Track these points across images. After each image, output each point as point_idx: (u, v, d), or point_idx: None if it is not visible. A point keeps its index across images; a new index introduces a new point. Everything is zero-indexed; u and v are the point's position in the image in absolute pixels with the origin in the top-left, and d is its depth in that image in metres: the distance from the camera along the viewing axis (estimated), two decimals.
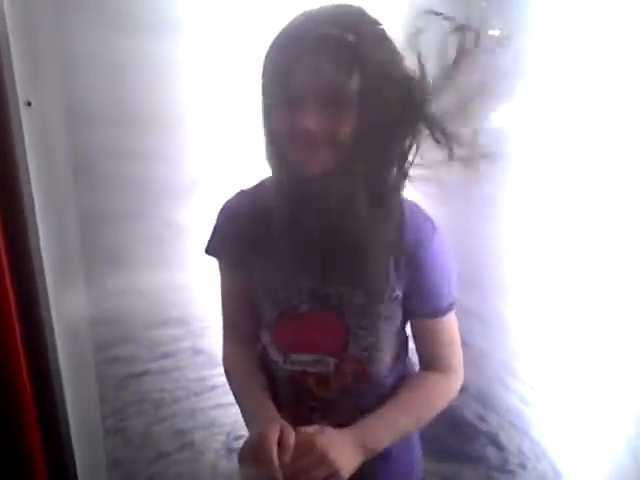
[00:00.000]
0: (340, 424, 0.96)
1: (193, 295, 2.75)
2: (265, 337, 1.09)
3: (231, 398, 1.09)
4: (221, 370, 1.13)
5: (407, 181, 0.96)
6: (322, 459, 0.88)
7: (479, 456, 2.03)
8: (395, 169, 0.94)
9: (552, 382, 2.24)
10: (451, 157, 0.91)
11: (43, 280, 1.19)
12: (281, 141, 0.92)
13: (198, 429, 2.17)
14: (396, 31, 0.88)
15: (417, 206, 1.01)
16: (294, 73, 0.85)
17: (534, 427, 2.10)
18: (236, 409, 1.07)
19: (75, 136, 1.24)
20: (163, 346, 2.60)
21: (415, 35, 0.86)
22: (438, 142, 0.90)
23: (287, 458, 0.87)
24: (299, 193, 0.95)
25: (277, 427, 0.90)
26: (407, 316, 1.05)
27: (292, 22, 0.88)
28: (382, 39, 0.88)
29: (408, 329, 1.10)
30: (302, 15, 0.88)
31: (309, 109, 0.86)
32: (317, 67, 0.84)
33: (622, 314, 2.30)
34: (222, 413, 2.17)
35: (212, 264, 1.10)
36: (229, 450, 2.06)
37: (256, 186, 1.04)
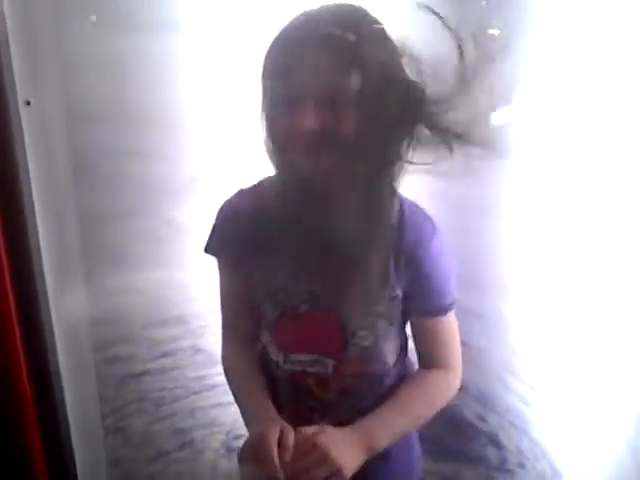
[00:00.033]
0: (340, 424, 0.96)
1: (193, 294, 2.75)
2: (265, 337, 1.09)
3: (231, 397, 1.09)
4: (221, 369, 1.13)
5: (407, 181, 0.96)
6: (324, 458, 0.88)
7: (478, 456, 2.03)
8: (394, 169, 0.94)
9: (552, 382, 2.24)
10: (451, 155, 0.91)
11: (43, 280, 1.19)
12: (281, 141, 0.92)
13: (198, 428, 2.17)
14: (396, 30, 0.88)
15: (417, 206, 1.01)
16: (295, 72, 0.85)
17: (534, 427, 2.10)
18: (236, 408, 1.07)
19: (75, 135, 1.24)
20: (163, 345, 2.60)
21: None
22: (440, 142, 0.90)
23: (287, 458, 0.87)
24: (299, 193, 0.95)
25: (277, 427, 0.90)
26: (407, 315, 1.05)
27: (293, 21, 0.88)
28: (383, 39, 0.88)
29: (408, 329, 1.11)
30: (303, 14, 0.88)
31: (309, 108, 0.86)
32: (318, 66, 0.84)
33: (622, 313, 2.30)
34: (222, 412, 2.17)
35: (211, 263, 1.10)
36: (229, 449, 2.06)
37: (255, 186, 1.04)
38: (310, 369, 1.05)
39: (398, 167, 0.93)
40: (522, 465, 1.99)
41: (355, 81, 0.83)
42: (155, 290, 2.66)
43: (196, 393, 2.33)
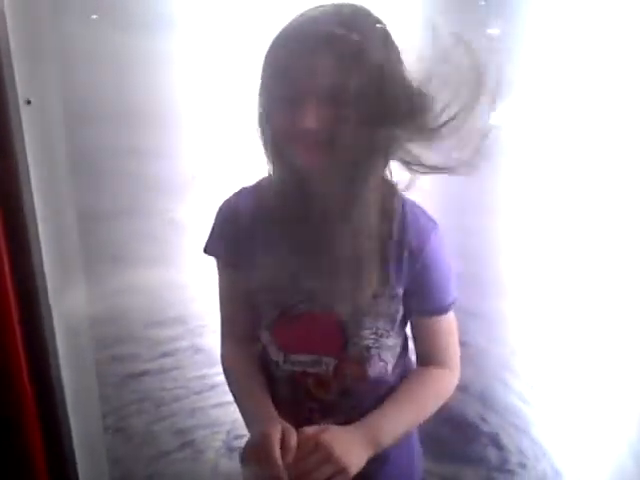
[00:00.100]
0: (340, 425, 0.96)
1: (193, 294, 2.75)
2: (264, 337, 1.08)
3: (231, 397, 1.09)
4: (221, 369, 1.13)
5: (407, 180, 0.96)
6: (327, 457, 0.88)
7: (479, 456, 2.03)
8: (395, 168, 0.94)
9: (552, 382, 2.24)
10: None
11: (43, 279, 1.19)
12: (280, 140, 0.92)
13: (198, 428, 2.17)
14: (398, 31, 0.88)
15: (417, 205, 1.01)
16: (297, 71, 0.85)
17: (534, 427, 2.09)
18: (236, 408, 1.07)
19: (75, 134, 1.24)
20: (163, 345, 2.60)
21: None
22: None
23: (290, 458, 0.87)
24: (298, 192, 0.95)
25: (279, 427, 0.90)
26: (408, 314, 1.05)
27: (295, 21, 0.88)
28: (385, 39, 0.88)
29: (407, 329, 1.11)
30: (305, 14, 0.88)
31: (311, 108, 0.86)
32: (321, 66, 0.84)
33: (623, 313, 2.30)
34: (222, 412, 2.17)
35: (211, 262, 1.10)
36: (229, 449, 2.06)
37: (254, 185, 1.04)
38: (310, 369, 1.05)
39: (399, 166, 0.93)
40: (523, 465, 1.99)
41: (357, 81, 0.83)
42: (155, 290, 2.67)
43: (196, 393, 2.33)
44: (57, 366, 1.25)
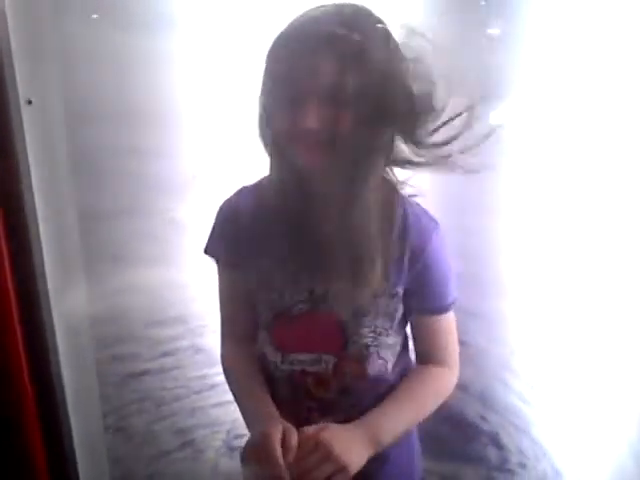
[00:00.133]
0: (340, 424, 0.96)
1: (194, 293, 2.75)
2: (263, 337, 1.08)
3: (231, 396, 1.09)
4: (221, 369, 1.13)
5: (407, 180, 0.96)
6: (327, 455, 0.88)
7: (479, 456, 2.03)
8: (395, 168, 0.94)
9: (552, 381, 2.24)
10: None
11: (44, 278, 1.19)
12: (281, 140, 0.92)
13: (198, 427, 2.17)
14: (399, 31, 0.88)
15: (419, 205, 1.01)
16: (298, 71, 0.85)
17: (534, 426, 2.09)
18: (236, 407, 1.07)
19: (76, 134, 1.24)
20: (163, 344, 2.60)
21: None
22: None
23: (291, 458, 0.87)
24: (298, 192, 0.95)
25: (280, 426, 0.90)
26: (408, 313, 1.06)
27: (296, 20, 0.88)
28: (387, 39, 0.88)
29: (407, 329, 1.11)
30: (307, 13, 0.88)
31: (312, 107, 0.86)
32: (321, 66, 0.84)
33: (624, 313, 2.30)
34: (222, 411, 2.17)
35: (212, 262, 1.10)
36: (229, 448, 2.06)
37: (255, 185, 1.04)
38: (309, 368, 1.05)
39: (399, 166, 0.94)
40: (523, 465, 1.99)
41: (358, 81, 0.83)
42: (156, 289, 2.67)
43: (197, 392, 2.33)
44: (57, 365, 1.25)
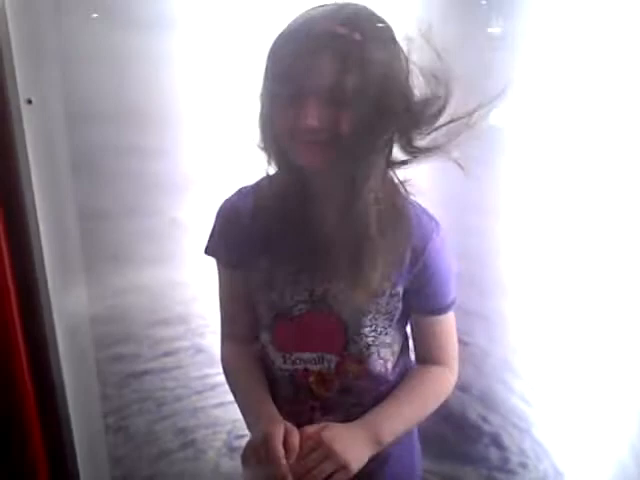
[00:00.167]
0: (341, 423, 0.96)
1: (195, 293, 2.75)
2: (264, 337, 1.08)
3: (232, 397, 1.09)
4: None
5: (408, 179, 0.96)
6: (328, 454, 0.88)
7: (481, 456, 2.02)
8: (396, 167, 0.94)
9: (554, 382, 2.23)
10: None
11: (44, 278, 1.19)
12: (282, 139, 0.92)
13: (200, 427, 2.17)
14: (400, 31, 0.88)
15: (420, 205, 1.01)
16: (299, 70, 0.85)
17: (535, 427, 2.09)
18: (237, 408, 1.07)
19: (76, 133, 1.24)
20: (165, 344, 2.60)
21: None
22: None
23: (293, 458, 0.87)
24: (298, 192, 0.95)
25: (282, 427, 0.90)
26: (409, 312, 1.05)
27: (297, 20, 0.88)
28: (388, 39, 0.88)
29: (407, 328, 1.11)
30: (307, 13, 0.88)
31: (312, 107, 0.86)
32: (322, 65, 0.84)
33: (625, 314, 2.29)
34: (224, 412, 2.17)
35: (213, 262, 1.10)
36: (230, 449, 2.06)
37: (254, 185, 1.03)
38: (312, 367, 1.05)
39: (399, 165, 0.94)
40: (524, 465, 1.98)
41: (359, 80, 0.83)
42: (157, 289, 2.66)
43: (198, 392, 2.33)
44: (58, 366, 1.25)
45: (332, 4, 0.88)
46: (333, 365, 1.04)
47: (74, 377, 1.29)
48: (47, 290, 1.20)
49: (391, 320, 1.03)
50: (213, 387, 2.28)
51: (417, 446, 1.19)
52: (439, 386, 1.06)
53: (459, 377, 1.09)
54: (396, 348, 1.08)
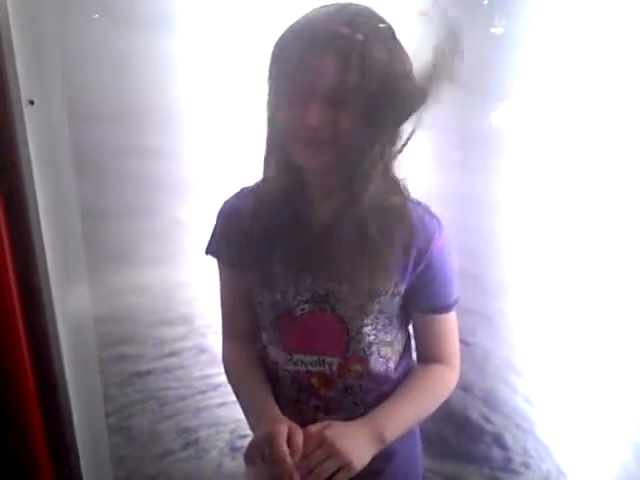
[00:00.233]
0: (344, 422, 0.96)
1: (198, 293, 2.75)
2: (266, 338, 1.08)
3: (235, 396, 1.09)
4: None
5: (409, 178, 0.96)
6: (332, 452, 0.88)
7: (483, 456, 2.02)
8: (395, 166, 0.94)
9: (557, 382, 2.23)
10: None
11: (47, 279, 1.20)
12: (285, 139, 0.92)
13: (203, 427, 2.17)
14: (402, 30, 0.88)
15: (423, 204, 1.01)
16: (301, 71, 0.85)
17: (539, 427, 2.09)
18: (240, 407, 1.07)
19: (78, 133, 1.24)
20: (168, 344, 2.59)
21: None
22: None
23: (297, 457, 0.87)
24: (300, 192, 0.96)
25: (285, 426, 0.90)
26: (411, 311, 1.06)
27: (299, 20, 0.88)
28: (389, 39, 0.88)
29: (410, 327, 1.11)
30: (309, 14, 0.88)
31: (314, 106, 0.86)
32: (324, 65, 0.84)
33: (630, 315, 2.29)
34: (226, 411, 2.17)
35: (215, 262, 1.10)
36: (233, 449, 2.06)
37: (255, 186, 1.04)
38: (314, 368, 1.05)
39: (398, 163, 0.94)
40: (527, 465, 1.98)
41: (361, 81, 0.83)
42: (160, 289, 2.66)
43: (201, 392, 2.33)
44: (61, 365, 1.26)
45: (334, 5, 0.88)
46: (335, 366, 1.04)
47: (77, 377, 1.30)
48: (50, 290, 1.20)
49: (392, 319, 1.03)
50: (216, 387, 2.28)
51: (419, 445, 1.19)
52: (441, 385, 1.06)
53: (461, 377, 1.09)
54: (398, 347, 1.08)
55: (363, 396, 1.06)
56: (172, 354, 2.55)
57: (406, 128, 0.92)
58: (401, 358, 1.09)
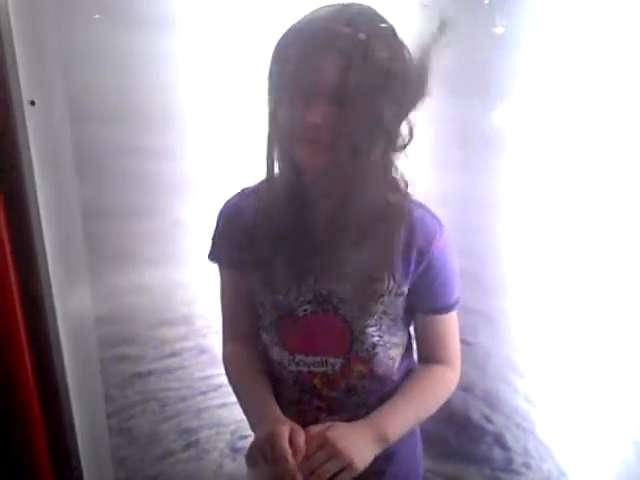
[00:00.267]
0: (347, 422, 0.96)
1: (199, 293, 2.74)
2: (267, 338, 1.08)
3: (235, 397, 1.09)
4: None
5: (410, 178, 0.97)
6: (333, 452, 0.88)
7: (484, 456, 2.02)
8: (396, 166, 0.94)
9: (558, 382, 2.23)
10: None
11: (47, 279, 1.20)
12: (286, 139, 0.92)
13: (203, 428, 2.16)
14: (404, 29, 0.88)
15: (423, 205, 1.01)
16: (303, 70, 0.85)
17: (539, 427, 2.09)
18: (240, 408, 1.07)
19: (79, 134, 1.24)
20: (169, 345, 2.59)
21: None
22: None
23: (299, 458, 0.87)
24: (301, 192, 0.95)
25: (288, 426, 0.90)
26: (413, 311, 1.06)
27: (301, 20, 0.88)
28: (391, 38, 0.88)
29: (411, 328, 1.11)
30: (311, 14, 0.88)
31: (316, 105, 0.86)
32: (326, 64, 0.84)
33: (631, 315, 2.28)
34: (227, 412, 2.17)
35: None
36: (234, 449, 2.06)
37: (256, 186, 1.04)
38: (316, 369, 1.05)
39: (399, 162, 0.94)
40: (528, 465, 1.98)
41: (363, 80, 0.83)
42: (161, 289, 2.66)
43: (202, 393, 2.33)
44: (62, 366, 1.26)
45: (336, 4, 0.88)
46: (338, 367, 1.04)
47: (78, 378, 1.30)
48: (50, 291, 1.20)
49: (396, 320, 1.03)
50: (217, 388, 2.28)
51: (420, 446, 1.19)
52: (442, 385, 1.06)
53: (462, 377, 1.09)
54: (401, 348, 1.08)
55: (366, 397, 1.06)
56: (173, 355, 2.54)
57: (406, 128, 0.92)
58: (403, 359, 1.09)
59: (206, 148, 1.50)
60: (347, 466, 0.88)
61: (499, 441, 2.08)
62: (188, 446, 2.10)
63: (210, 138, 1.49)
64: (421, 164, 0.94)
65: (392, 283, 0.98)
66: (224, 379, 1.11)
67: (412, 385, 1.05)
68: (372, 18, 0.88)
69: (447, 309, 1.05)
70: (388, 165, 0.94)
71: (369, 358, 1.03)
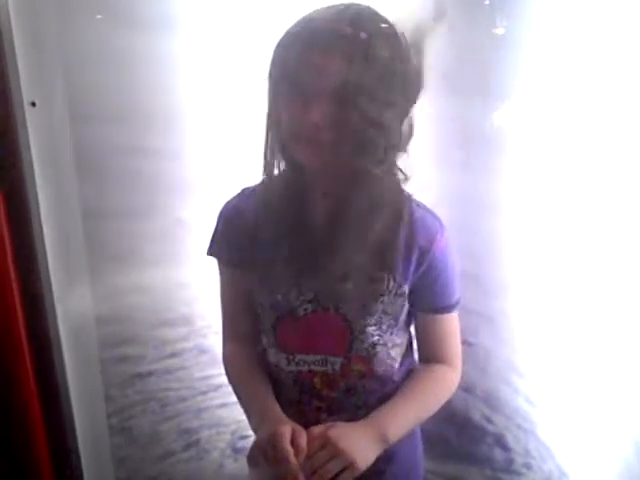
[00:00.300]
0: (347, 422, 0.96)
1: (199, 293, 2.74)
2: (266, 341, 1.08)
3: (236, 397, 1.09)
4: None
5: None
6: (335, 452, 0.88)
7: (485, 457, 2.02)
8: (397, 165, 0.94)
9: (559, 383, 2.22)
10: None
11: (48, 279, 1.20)
12: (287, 139, 0.92)
13: (204, 428, 2.16)
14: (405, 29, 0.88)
15: (424, 205, 1.01)
16: (304, 70, 0.85)
17: (540, 428, 2.08)
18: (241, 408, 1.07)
19: (80, 134, 1.24)
20: (169, 345, 2.59)
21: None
22: None
23: (301, 458, 0.87)
24: (300, 192, 0.96)
25: (289, 426, 0.90)
26: (414, 311, 1.06)
27: (302, 20, 0.89)
28: (393, 38, 0.88)
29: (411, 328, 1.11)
30: (312, 14, 0.88)
31: (317, 106, 0.86)
32: (328, 65, 0.84)
33: (632, 315, 2.28)
34: (227, 412, 2.17)
35: (215, 262, 1.10)
36: (234, 450, 2.06)
37: (257, 186, 1.04)
38: (316, 368, 1.05)
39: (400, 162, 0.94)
40: (528, 466, 1.98)
41: (364, 80, 0.83)
42: (162, 289, 2.65)
43: (202, 393, 2.33)
44: (62, 366, 1.26)
45: (337, 5, 0.89)
46: (338, 366, 1.04)
47: (78, 378, 1.30)
48: (51, 291, 1.20)
49: (396, 320, 1.03)
50: (217, 388, 2.28)
51: (420, 446, 1.19)
52: (443, 385, 1.06)
53: (463, 377, 1.09)
54: (401, 348, 1.08)
55: (366, 397, 1.06)
56: (173, 355, 2.54)
57: (406, 127, 0.92)
58: (404, 359, 1.09)
59: (207, 148, 1.50)
60: (349, 466, 0.88)
61: (500, 442, 2.07)
62: (188, 446, 2.09)
63: (211, 138, 1.48)
64: (422, 164, 0.94)
65: (392, 283, 0.98)
66: (224, 379, 1.11)
67: (413, 385, 1.05)
68: (373, 18, 0.88)
69: (448, 309, 1.05)
70: (388, 165, 0.94)
71: (369, 357, 1.03)
